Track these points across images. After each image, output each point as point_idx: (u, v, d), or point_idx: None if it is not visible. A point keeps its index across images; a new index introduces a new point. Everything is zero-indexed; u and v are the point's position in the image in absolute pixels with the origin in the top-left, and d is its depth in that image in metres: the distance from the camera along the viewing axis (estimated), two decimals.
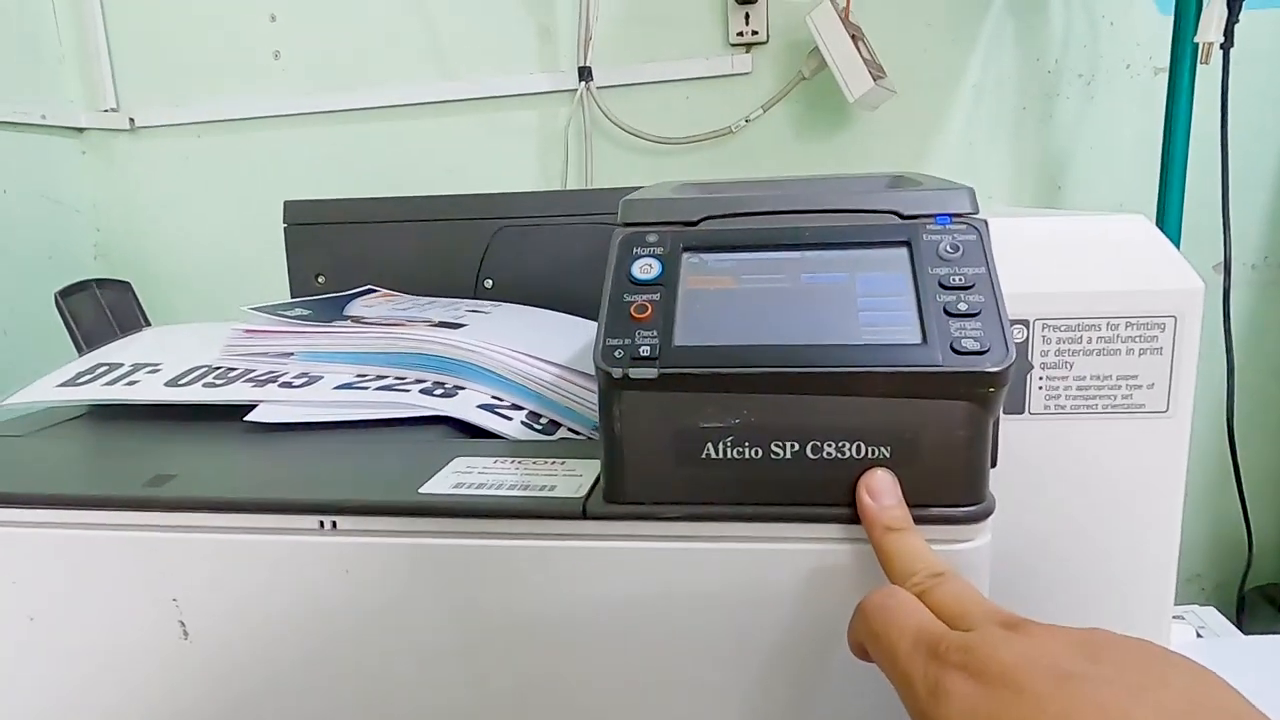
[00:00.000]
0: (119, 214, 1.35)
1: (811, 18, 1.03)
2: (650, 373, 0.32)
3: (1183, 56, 0.92)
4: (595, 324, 0.67)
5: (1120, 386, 0.36)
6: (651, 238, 0.37)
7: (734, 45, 1.15)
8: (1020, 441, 0.37)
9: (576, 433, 0.50)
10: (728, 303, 0.34)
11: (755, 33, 1.13)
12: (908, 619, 0.27)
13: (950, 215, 0.36)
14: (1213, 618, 0.75)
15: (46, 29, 1.28)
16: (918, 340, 0.32)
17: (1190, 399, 0.36)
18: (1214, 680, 0.22)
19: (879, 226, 0.36)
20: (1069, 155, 1.13)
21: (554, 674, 0.36)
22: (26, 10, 1.26)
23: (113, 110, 1.31)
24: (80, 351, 0.64)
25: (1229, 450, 1.01)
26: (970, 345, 0.31)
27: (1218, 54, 0.89)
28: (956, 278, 0.33)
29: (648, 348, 0.33)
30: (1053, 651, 0.23)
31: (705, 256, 0.36)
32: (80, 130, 1.32)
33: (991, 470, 0.33)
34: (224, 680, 0.39)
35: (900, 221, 0.36)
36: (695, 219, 0.37)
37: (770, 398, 0.32)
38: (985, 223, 0.35)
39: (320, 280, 0.79)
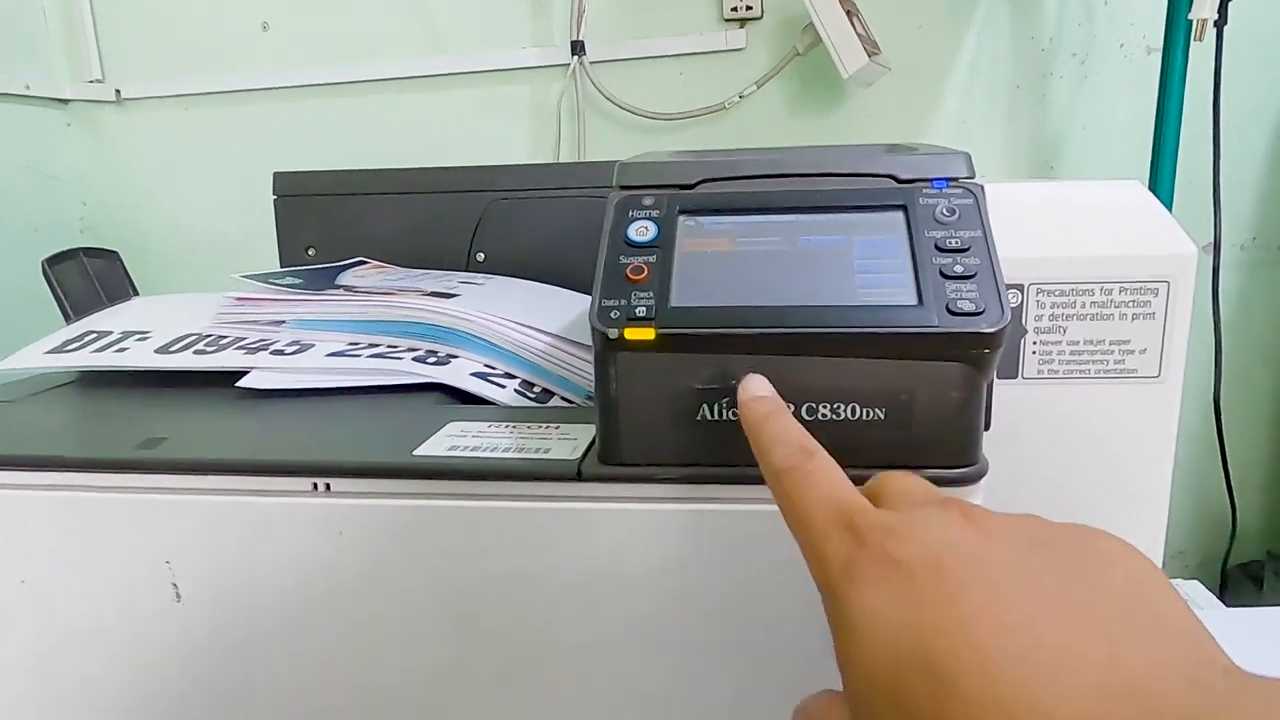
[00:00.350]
0: (105, 186, 1.34)
1: None
2: (646, 333, 0.32)
3: (1176, 35, 0.92)
4: (587, 296, 0.67)
5: (1113, 351, 0.36)
6: (648, 200, 0.37)
7: (728, 21, 1.14)
8: (1013, 406, 0.37)
9: (569, 401, 0.50)
10: (724, 265, 0.34)
11: (749, 8, 1.12)
12: (827, 488, 0.24)
13: (947, 179, 0.36)
14: (1197, 591, 0.76)
15: None
16: (914, 302, 0.32)
17: (1181, 364, 0.36)
18: (1156, 582, 0.20)
19: (876, 190, 0.36)
20: (1062, 134, 1.13)
21: (548, 634, 0.36)
22: None
23: (98, 81, 1.29)
24: (68, 320, 0.63)
25: (1215, 430, 1.02)
26: (966, 306, 0.31)
27: (1211, 32, 0.89)
28: (953, 240, 0.33)
29: (644, 309, 0.33)
30: (979, 538, 0.21)
31: (702, 219, 0.36)
32: (65, 102, 1.30)
33: (985, 434, 0.34)
34: (216, 642, 0.39)
35: (897, 185, 0.36)
36: (692, 182, 0.37)
37: (766, 359, 0.32)
38: (981, 187, 0.35)
39: (310, 253, 0.78)
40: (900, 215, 0.35)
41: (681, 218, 0.36)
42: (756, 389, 0.30)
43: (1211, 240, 0.99)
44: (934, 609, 0.20)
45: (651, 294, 0.33)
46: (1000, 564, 0.20)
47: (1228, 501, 1.08)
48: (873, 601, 0.20)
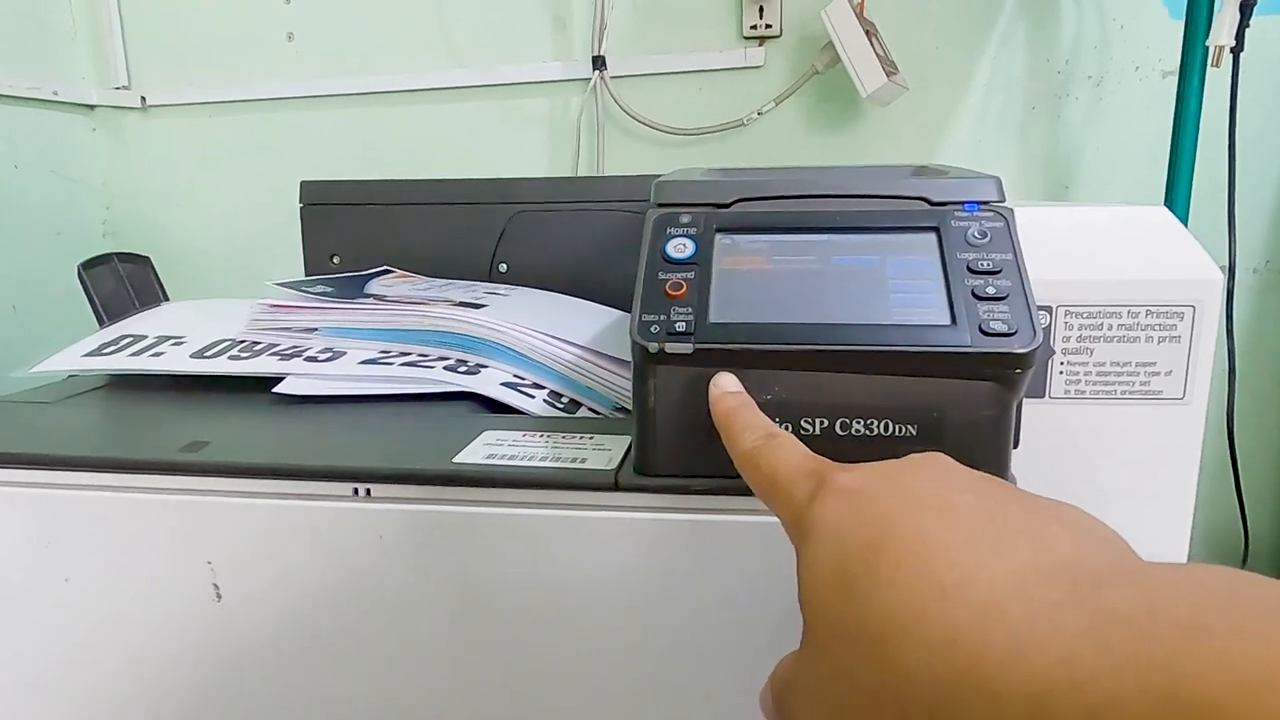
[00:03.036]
0: (129, 192, 1.35)
1: (826, 13, 1.03)
2: (686, 348, 0.33)
3: (1193, 60, 0.93)
4: (610, 310, 0.68)
5: (1139, 373, 0.37)
6: (685, 218, 0.38)
7: (748, 38, 1.15)
8: (1041, 425, 0.38)
9: (596, 412, 0.51)
10: (761, 282, 0.35)
11: (769, 26, 1.14)
12: (795, 454, 0.26)
13: (978, 203, 0.36)
14: None
15: (59, 5, 1.28)
16: (947, 322, 0.33)
17: (1206, 387, 0.37)
18: (1098, 521, 0.21)
19: (909, 212, 0.36)
20: (1076, 155, 1.14)
21: (585, 640, 0.37)
22: None
23: (124, 88, 1.31)
24: (100, 323, 0.64)
25: (1228, 450, 1.03)
26: (999, 327, 0.32)
27: (1228, 59, 0.90)
28: (984, 262, 0.34)
29: (683, 324, 0.34)
30: (936, 475, 0.23)
31: (738, 237, 0.37)
32: (91, 107, 1.32)
33: (1013, 452, 0.34)
34: (256, 643, 0.39)
35: (929, 207, 0.37)
36: (728, 201, 0.38)
37: (802, 374, 0.33)
38: (1011, 210, 0.36)
39: (335, 261, 0.79)
40: (933, 237, 0.36)
41: (719, 235, 0.37)
42: (726, 385, 0.32)
43: (1225, 263, 0.99)
44: (884, 509, 0.22)
45: (690, 310, 0.34)
46: (954, 485, 0.22)
47: (1240, 522, 1.08)
48: (829, 510, 0.23)
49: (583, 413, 0.51)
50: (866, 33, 1.02)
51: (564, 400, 0.51)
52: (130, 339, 0.57)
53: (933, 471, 0.23)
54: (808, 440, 0.33)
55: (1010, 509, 0.21)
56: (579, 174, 1.21)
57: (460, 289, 0.65)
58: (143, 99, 1.31)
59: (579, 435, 0.41)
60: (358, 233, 0.79)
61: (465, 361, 0.53)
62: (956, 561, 0.19)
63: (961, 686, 0.17)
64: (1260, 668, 0.14)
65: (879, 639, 0.19)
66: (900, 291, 0.34)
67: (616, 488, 0.36)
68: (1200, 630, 0.15)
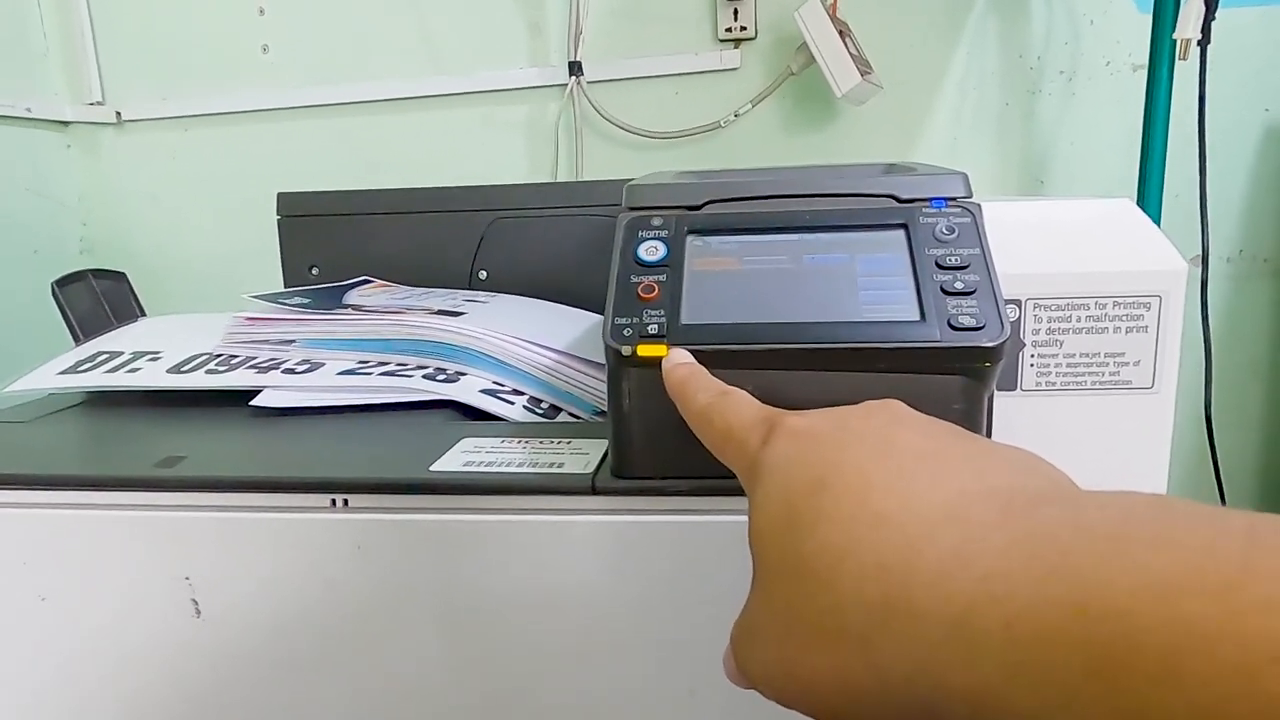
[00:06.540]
0: (105, 208, 1.34)
1: (800, 14, 1.04)
2: (659, 350, 0.33)
3: (1161, 53, 0.95)
4: (590, 314, 0.68)
5: (1108, 364, 0.37)
6: (656, 221, 0.38)
7: (723, 41, 1.16)
8: (1012, 417, 0.38)
9: (576, 416, 0.51)
10: (732, 283, 0.35)
11: (744, 28, 1.14)
12: (749, 406, 0.27)
13: (945, 199, 0.37)
14: None
15: (31, 21, 1.28)
16: (916, 317, 0.33)
17: (1174, 376, 0.37)
18: (1045, 461, 0.21)
19: (877, 210, 0.37)
20: (1051, 150, 1.15)
21: (565, 645, 0.37)
22: (10, 2, 1.25)
23: (98, 104, 1.30)
24: (76, 340, 0.64)
25: (1207, 441, 1.04)
26: (967, 321, 0.32)
27: (1195, 51, 0.91)
28: (952, 258, 0.34)
29: (656, 326, 0.34)
30: (885, 418, 0.23)
31: (709, 239, 0.37)
32: (65, 124, 1.31)
33: None
34: (236, 657, 0.39)
35: (897, 205, 0.37)
36: (698, 203, 0.38)
37: (775, 373, 0.33)
38: (979, 206, 0.36)
39: (314, 272, 0.79)
40: (901, 234, 0.36)
41: (690, 237, 0.37)
42: (678, 358, 0.32)
43: (1199, 253, 1.00)
44: (830, 448, 0.22)
45: (663, 312, 0.34)
46: (901, 424, 0.23)
47: None
48: (779, 452, 0.23)
49: (562, 417, 0.51)
50: (840, 33, 1.03)
51: (543, 405, 0.51)
52: (106, 355, 0.57)
53: (881, 413, 0.24)
54: None
55: (954, 446, 0.21)
56: (558, 179, 1.22)
57: (439, 297, 0.65)
58: (117, 114, 1.31)
59: (556, 440, 0.41)
60: (336, 244, 0.79)
61: (444, 369, 0.53)
62: (894, 491, 0.19)
63: (891, 611, 0.17)
64: (1173, 572, 0.14)
65: (816, 572, 0.19)
66: (870, 289, 0.34)
67: (594, 491, 0.36)
68: (1120, 541, 0.15)
